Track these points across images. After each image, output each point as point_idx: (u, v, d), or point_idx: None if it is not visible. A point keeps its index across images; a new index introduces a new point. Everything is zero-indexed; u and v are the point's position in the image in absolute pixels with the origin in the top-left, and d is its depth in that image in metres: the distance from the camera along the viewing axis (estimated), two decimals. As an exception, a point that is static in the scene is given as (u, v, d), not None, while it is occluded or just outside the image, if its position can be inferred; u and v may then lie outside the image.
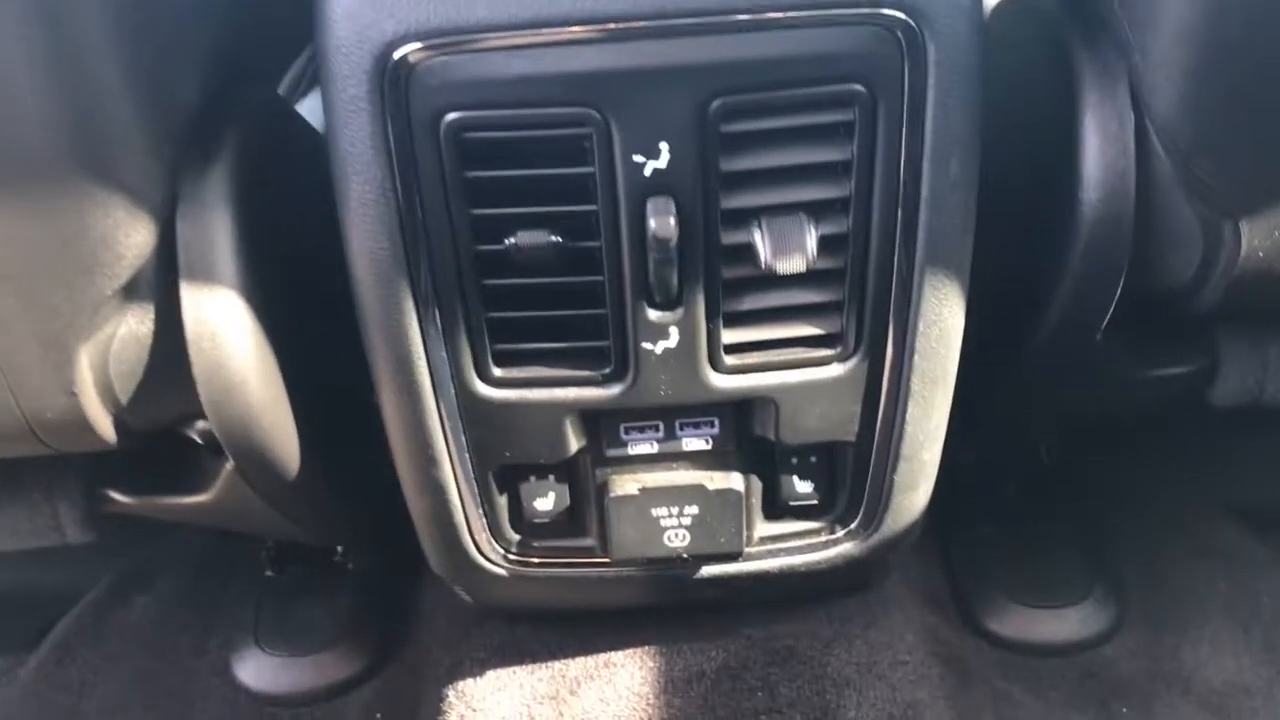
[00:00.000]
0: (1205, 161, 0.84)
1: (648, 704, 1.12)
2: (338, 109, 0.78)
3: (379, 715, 1.27)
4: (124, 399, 0.89)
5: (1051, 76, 0.89)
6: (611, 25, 0.75)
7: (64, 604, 1.47)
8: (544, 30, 0.75)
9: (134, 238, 0.80)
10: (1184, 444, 1.41)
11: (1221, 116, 0.81)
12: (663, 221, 0.79)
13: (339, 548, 1.39)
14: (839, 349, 0.89)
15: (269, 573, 1.41)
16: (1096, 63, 0.85)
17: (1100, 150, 0.86)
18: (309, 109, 1.18)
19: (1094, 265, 0.89)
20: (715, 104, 0.77)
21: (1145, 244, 0.89)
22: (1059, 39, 0.88)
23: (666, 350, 0.87)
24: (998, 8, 1.01)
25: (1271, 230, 0.85)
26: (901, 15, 0.75)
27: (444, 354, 0.88)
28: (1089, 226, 0.87)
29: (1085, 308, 0.93)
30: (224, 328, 0.85)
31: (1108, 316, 0.93)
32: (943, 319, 0.88)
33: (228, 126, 0.85)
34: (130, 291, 0.84)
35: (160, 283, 0.84)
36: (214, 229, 0.83)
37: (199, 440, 1.01)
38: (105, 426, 0.89)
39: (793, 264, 0.81)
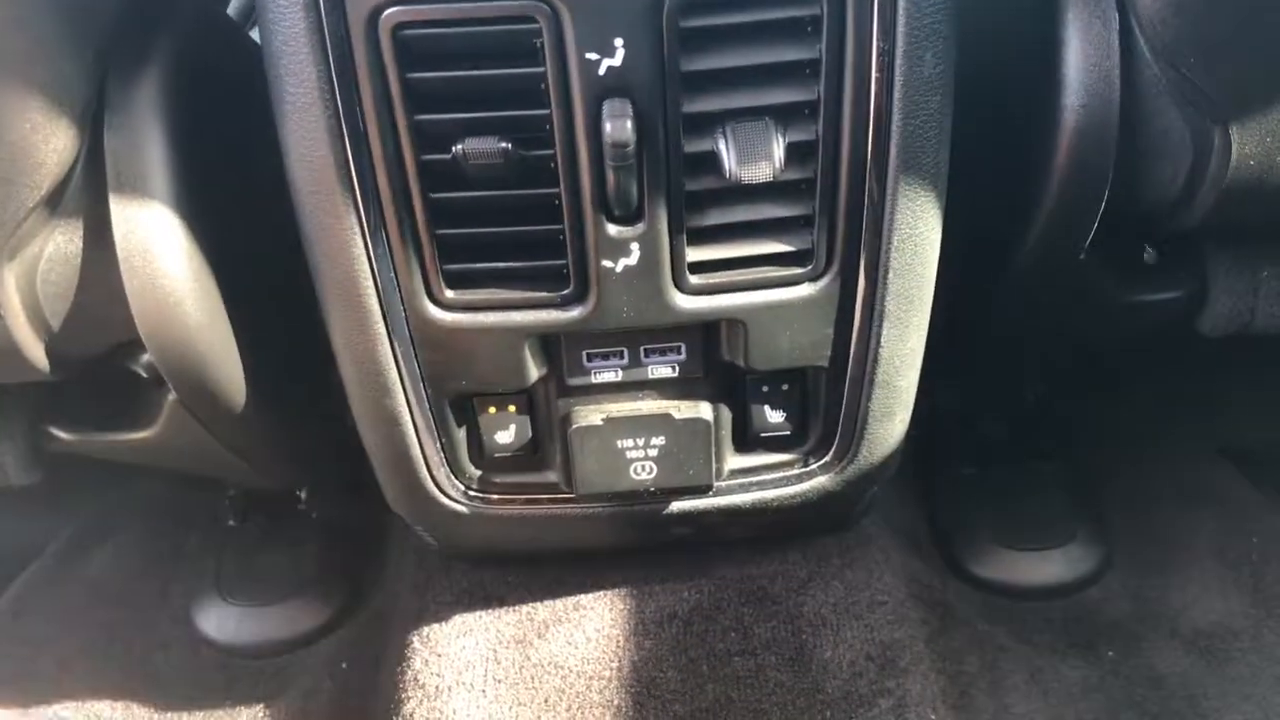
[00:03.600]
0: (1192, 62, 0.79)
1: (617, 646, 1.08)
2: (270, 3, 0.73)
3: (344, 664, 1.24)
4: (55, 323, 0.84)
5: None
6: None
7: (23, 558, 1.43)
8: None
9: (55, 143, 0.75)
10: (1172, 385, 1.37)
11: (1208, 12, 0.77)
12: (619, 124, 0.74)
13: (301, 495, 1.35)
14: (809, 267, 0.85)
15: (231, 522, 1.37)
16: None
17: (1083, 52, 0.81)
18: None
19: (1077, 174, 0.84)
20: (671, 11, 0.72)
21: (1131, 153, 0.84)
22: None
23: (628, 268, 0.83)
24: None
25: (1263, 136, 0.81)
26: None
27: (391, 274, 0.83)
28: (1072, 133, 0.82)
29: (1069, 221, 0.88)
30: (156, 244, 0.80)
31: (1092, 231, 0.89)
32: (918, 233, 0.83)
33: (159, 32, 0.80)
34: (57, 206, 0.79)
35: (89, 196, 0.79)
36: (144, 139, 0.78)
37: (143, 373, 0.96)
38: (36, 353, 0.85)
39: (759, 173, 0.77)
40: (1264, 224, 0.92)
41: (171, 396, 0.93)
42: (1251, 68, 0.79)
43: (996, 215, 0.93)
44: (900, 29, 0.74)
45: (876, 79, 0.76)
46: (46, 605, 1.35)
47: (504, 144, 0.77)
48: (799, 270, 0.85)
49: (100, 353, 0.91)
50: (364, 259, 0.82)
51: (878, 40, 0.75)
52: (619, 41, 0.74)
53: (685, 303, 0.84)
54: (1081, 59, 0.81)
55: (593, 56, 0.74)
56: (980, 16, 0.82)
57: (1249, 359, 1.16)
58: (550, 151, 0.78)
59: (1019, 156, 0.88)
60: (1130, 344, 1.11)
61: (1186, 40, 0.78)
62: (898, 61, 0.75)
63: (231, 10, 1.17)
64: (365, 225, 0.80)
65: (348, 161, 0.78)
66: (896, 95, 0.77)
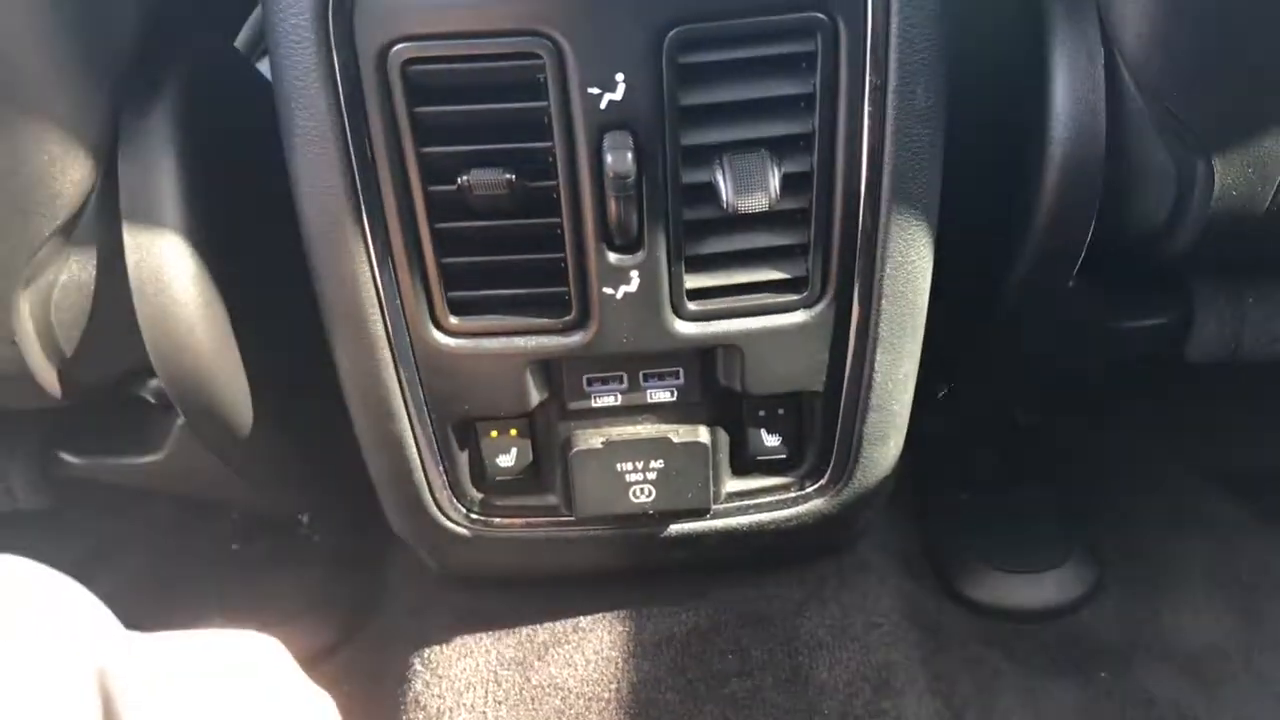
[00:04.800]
0: (1175, 95, 0.82)
1: (616, 668, 1.10)
2: (281, 40, 0.75)
3: (346, 686, 1.25)
4: (68, 349, 0.86)
5: (1021, 12, 0.87)
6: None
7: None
8: None
9: (71, 175, 0.77)
10: (1162, 407, 1.39)
11: (1191, 47, 0.79)
12: (620, 156, 0.77)
13: (304, 519, 1.36)
14: (804, 294, 0.87)
15: (234, 545, 1.38)
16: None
17: (1070, 86, 0.83)
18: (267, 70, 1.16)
19: (1065, 205, 0.87)
20: (673, 33, 0.75)
21: (1117, 184, 0.86)
22: None
23: (628, 295, 0.85)
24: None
25: (1245, 168, 0.83)
26: None
27: (398, 302, 0.85)
28: (1059, 164, 0.85)
29: (1057, 251, 0.90)
30: (168, 272, 0.82)
31: (1079, 261, 0.91)
32: (910, 261, 0.85)
33: (172, 65, 0.82)
34: (71, 235, 0.81)
35: (103, 226, 0.82)
36: (156, 170, 0.80)
37: (151, 399, 0.98)
38: (50, 379, 0.86)
39: (755, 203, 0.79)
40: (1247, 253, 0.94)
41: (179, 422, 0.94)
42: (1232, 102, 0.82)
43: (987, 244, 0.95)
44: (892, 65, 0.77)
45: (870, 112, 0.79)
46: None
47: (508, 175, 0.79)
48: (794, 297, 0.87)
49: (111, 378, 0.93)
50: (370, 287, 0.84)
51: (870, 75, 0.77)
52: (620, 77, 0.76)
53: (684, 329, 0.86)
54: (1068, 93, 0.83)
55: (594, 91, 0.76)
56: (970, 51, 0.84)
57: (1237, 384, 1.18)
58: (553, 182, 0.80)
59: (1008, 187, 0.90)
60: (1118, 370, 1.13)
61: (1169, 75, 0.81)
62: (890, 96, 0.78)
63: (239, 42, 1.19)
64: (372, 254, 0.82)
65: (356, 192, 0.80)
66: (889, 128, 0.79)
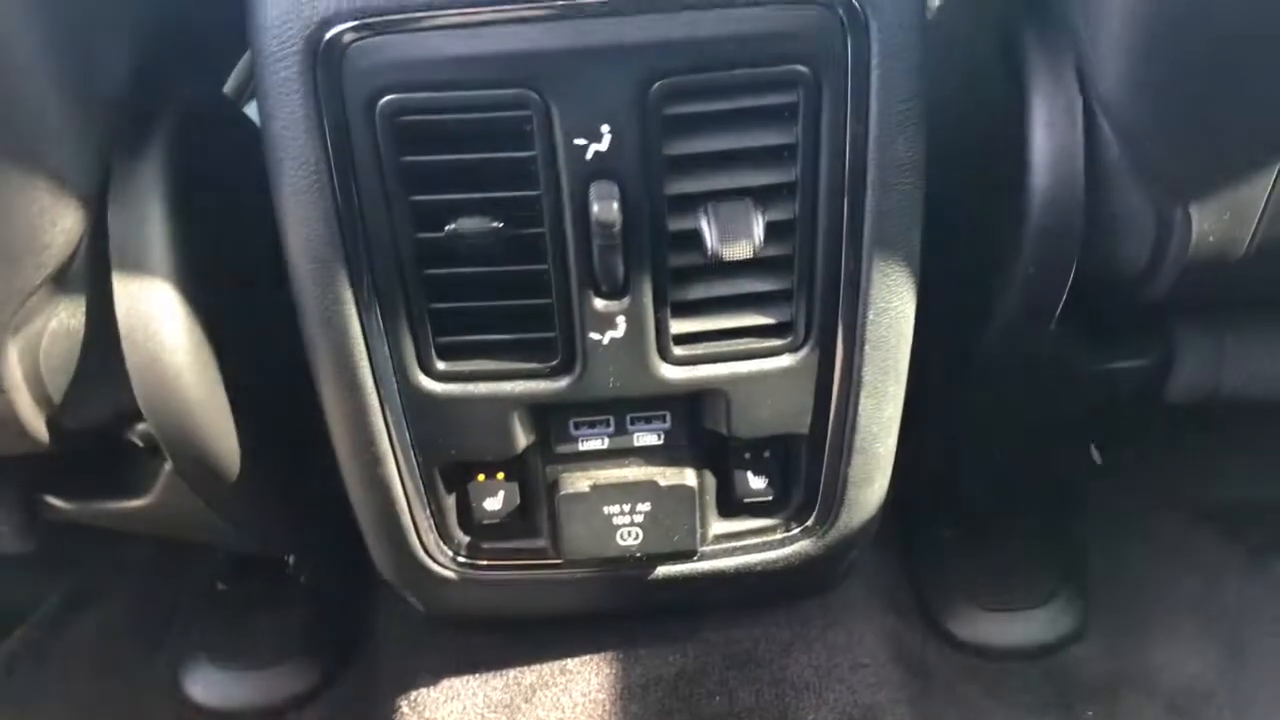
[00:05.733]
0: (1153, 143, 0.83)
1: (604, 710, 1.10)
2: (270, 90, 0.76)
3: (333, 730, 1.24)
4: (57, 396, 0.86)
5: (999, 62, 0.88)
6: (549, 3, 0.74)
7: (8, 623, 1.43)
8: (480, 9, 0.74)
9: (62, 225, 0.77)
10: (1147, 443, 1.40)
11: (1168, 96, 0.81)
12: (606, 206, 0.78)
13: (290, 559, 1.36)
14: (789, 338, 0.88)
15: (220, 586, 1.38)
16: (1044, 46, 0.84)
17: (1049, 135, 0.85)
18: (253, 112, 1.17)
19: (1045, 252, 0.88)
20: (656, 85, 0.76)
21: (1096, 230, 0.88)
22: (1006, 24, 0.87)
23: (614, 340, 0.85)
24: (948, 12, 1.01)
25: (1221, 214, 0.85)
26: (845, 13, 0.74)
27: (385, 347, 0.86)
28: (1039, 212, 0.86)
29: (1038, 296, 0.92)
30: (158, 320, 0.82)
31: (1060, 305, 0.92)
32: (893, 306, 0.86)
33: (161, 113, 0.83)
34: (61, 283, 0.81)
35: (92, 274, 0.82)
36: (146, 218, 0.81)
37: (138, 443, 0.98)
38: (38, 426, 0.87)
39: (740, 250, 0.80)
40: (1225, 295, 0.95)
41: (168, 466, 0.95)
42: (1209, 150, 0.83)
43: (969, 289, 0.96)
44: (873, 116, 0.78)
45: (851, 162, 0.80)
46: (32, 670, 1.35)
47: (496, 223, 0.80)
48: (779, 342, 0.87)
49: (98, 423, 0.93)
50: (358, 332, 0.84)
51: (852, 126, 0.78)
52: (605, 128, 0.77)
53: (670, 373, 0.87)
54: (1047, 142, 0.84)
55: (580, 142, 0.77)
56: (950, 100, 0.85)
57: (1219, 423, 1.19)
58: (540, 230, 0.81)
59: (990, 233, 0.91)
60: (1100, 410, 1.14)
61: (1147, 123, 0.82)
62: (871, 146, 0.79)
63: (227, 86, 1.20)
64: (361, 300, 0.83)
65: (344, 239, 0.80)
66: (870, 177, 0.80)
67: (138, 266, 0.81)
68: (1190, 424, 1.09)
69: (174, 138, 0.82)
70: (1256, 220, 0.85)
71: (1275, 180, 0.83)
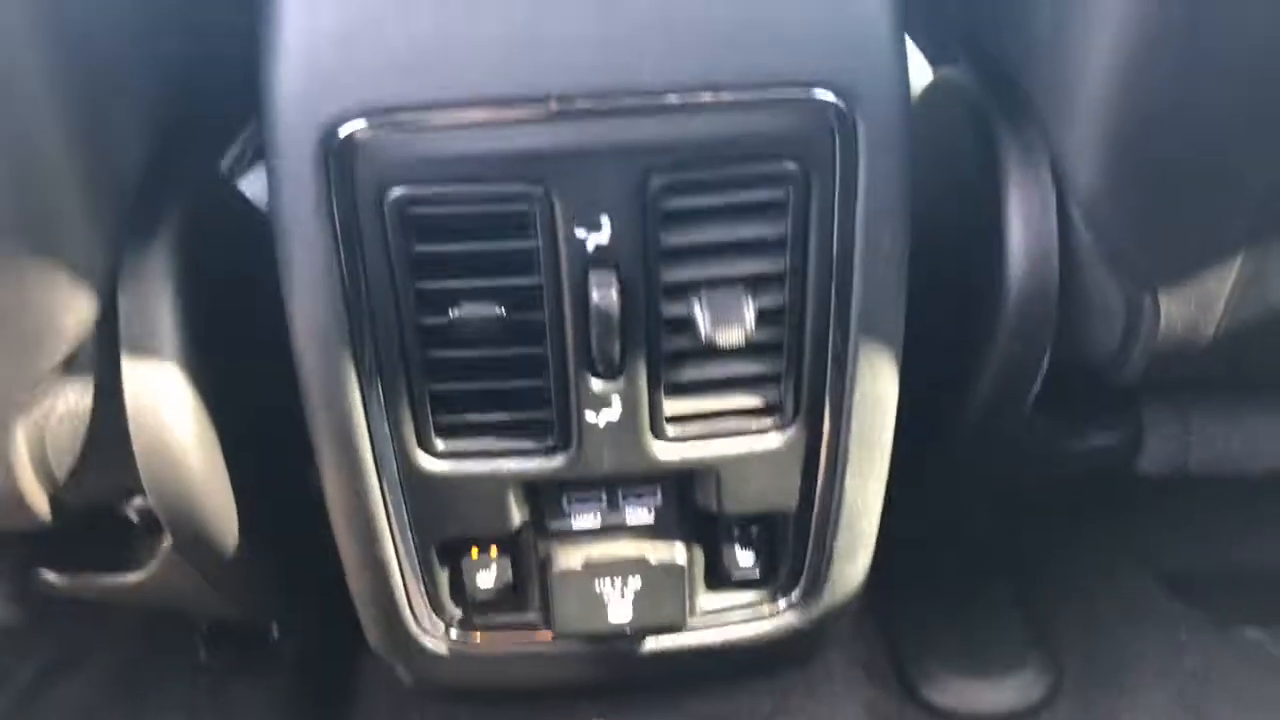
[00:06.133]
0: (1123, 236, 0.88)
1: (590, 781, 1.11)
2: (283, 185, 0.78)
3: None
4: (61, 476, 0.87)
5: (977, 155, 0.92)
6: (553, 105, 0.77)
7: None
8: (485, 109, 0.77)
9: (76, 313, 0.79)
10: (1117, 511, 1.44)
11: (1139, 192, 0.85)
12: (605, 294, 0.81)
13: (274, 628, 1.36)
14: (778, 419, 0.91)
15: (203, 655, 1.38)
16: (1019, 141, 0.89)
17: (1024, 226, 0.89)
18: (250, 184, 1.19)
19: (1021, 338, 0.92)
20: (655, 181, 0.79)
21: (1070, 317, 0.92)
22: (983, 119, 0.92)
23: (609, 421, 0.88)
24: (925, 88, 1.06)
25: (1188, 302, 0.89)
26: (833, 98, 0.78)
27: (386, 427, 0.88)
28: (1015, 300, 0.90)
29: (1013, 379, 0.95)
30: (165, 403, 0.84)
31: (1036, 388, 0.96)
32: (877, 389, 0.90)
33: (169, 199, 0.85)
34: (70, 366, 0.83)
35: (101, 356, 0.84)
36: (156, 303, 0.83)
37: (135, 518, 0.99)
38: (41, 504, 0.88)
39: (732, 337, 0.83)
40: (1193, 378, 0.99)
41: (166, 542, 0.96)
42: (1176, 241, 0.88)
43: (948, 371, 1.00)
44: (860, 209, 0.82)
45: (839, 252, 0.83)
46: None
47: (499, 309, 0.83)
48: (768, 422, 0.91)
49: (99, 500, 0.94)
50: (361, 414, 0.87)
51: (840, 219, 0.82)
52: (605, 220, 0.80)
53: (663, 453, 0.90)
54: (1023, 233, 0.89)
55: (581, 233, 0.80)
56: (931, 191, 0.89)
57: (1191, 491, 1.23)
58: (540, 315, 0.84)
59: (968, 318, 0.95)
60: (1072, 483, 1.18)
61: (1118, 218, 0.87)
62: (858, 237, 0.83)
63: (226, 161, 1.23)
64: (364, 381, 0.85)
65: (351, 324, 0.83)
66: (857, 266, 0.84)
67: (146, 350, 0.83)
68: (1160, 492, 1.13)
69: (183, 223, 0.84)
70: (1221, 308, 0.90)
71: (1238, 270, 0.87)
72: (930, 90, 1.05)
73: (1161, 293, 0.89)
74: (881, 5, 0.79)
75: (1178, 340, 0.91)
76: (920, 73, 1.08)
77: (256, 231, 0.84)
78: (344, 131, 0.77)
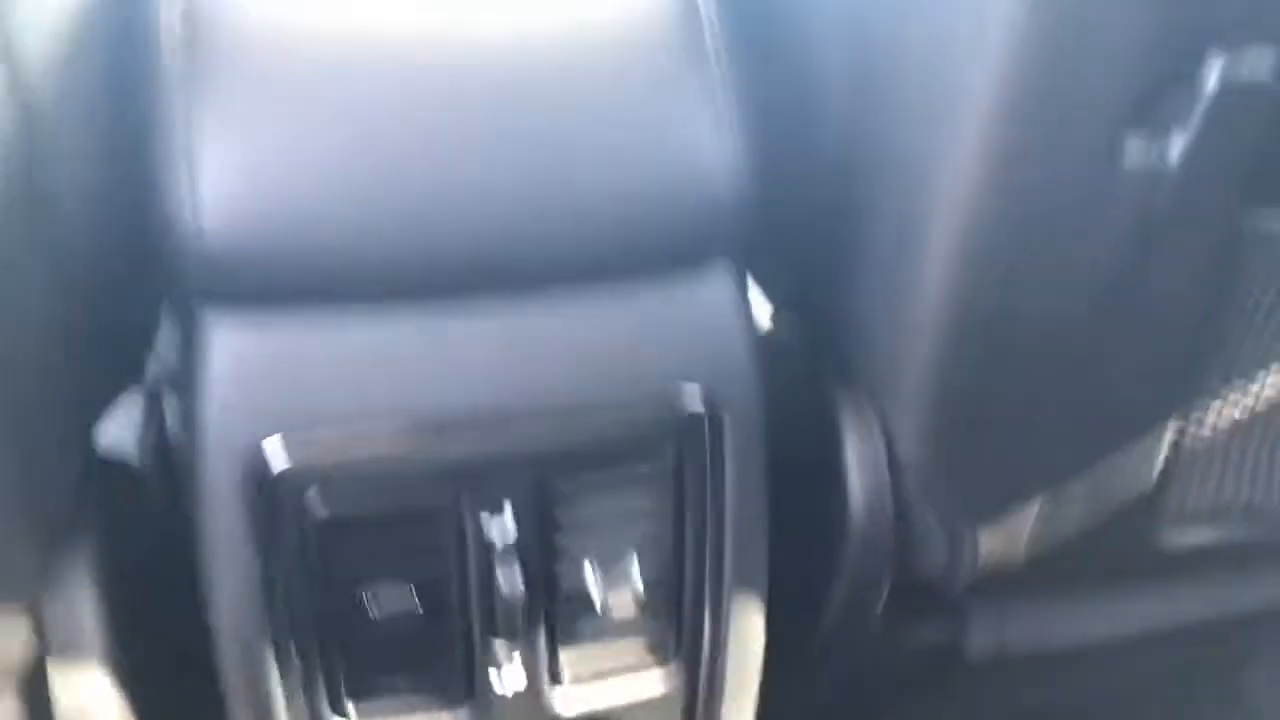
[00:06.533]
0: (943, 485, 1.03)
1: None
2: (207, 505, 0.86)
3: None
4: None
5: (814, 409, 1.07)
6: (459, 420, 0.88)
7: None
8: (398, 425, 0.87)
9: (6, 631, 0.83)
10: (953, 697, 1.56)
11: (954, 450, 1.01)
12: (508, 574, 0.90)
13: None
14: (663, 655, 1.02)
15: None
16: (852, 407, 1.04)
17: (860, 475, 1.04)
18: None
19: (863, 570, 1.06)
20: (550, 479, 0.91)
21: (904, 549, 1.07)
22: (821, 385, 1.07)
23: (510, 676, 0.97)
24: (765, 335, 1.21)
25: (1000, 536, 1.05)
26: (704, 411, 0.92)
27: (301, 697, 0.94)
28: (855, 540, 1.04)
29: (860, 600, 1.10)
30: (93, 704, 0.88)
31: (881, 606, 1.10)
32: (748, 628, 1.02)
33: (94, 508, 0.90)
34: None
35: (29, 670, 0.87)
36: (81, 609, 0.88)
37: None
38: None
39: (625, 602, 0.95)
40: (1011, 584, 1.16)
41: None
42: (988, 488, 1.04)
43: (802, 597, 1.13)
44: (729, 489, 0.95)
45: (713, 524, 0.96)
46: None
47: (408, 589, 0.91)
48: (656, 666, 1.02)
49: None
50: (278, 686, 0.93)
51: (712, 500, 0.95)
52: (506, 504, 0.91)
53: (561, 705, 0.99)
54: (859, 482, 1.03)
55: (486, 523, 0.90)
56: (781, 454, 1.03)
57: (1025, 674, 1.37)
58: (447, 594, 0.93)
59: (818, 556, 1.09)
60: (911, 675, 1.33)
61: (937, 469, 1.02)
62: (727, 514, 0.96)
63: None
64: (281, 659, 0.92)
65: (269, 610, 0.90)
66: (728, 535, 0.97)
67: (74, 655, 0.88)
68: (992, 677, 1.28)
69: (106, 529, 0.90)
70: (1027, 536, 1.06)
71: (1040, 507, 1.04)
72: (771, 339, 1.20)
73: (980, 528, 1.05)
74: (739, 322, 0.93)
75: (995, 564, 1.07)
76: (760, 314, 1.22)
77: (179, 532, 0.90)
78: (264, 446, 0.85)
